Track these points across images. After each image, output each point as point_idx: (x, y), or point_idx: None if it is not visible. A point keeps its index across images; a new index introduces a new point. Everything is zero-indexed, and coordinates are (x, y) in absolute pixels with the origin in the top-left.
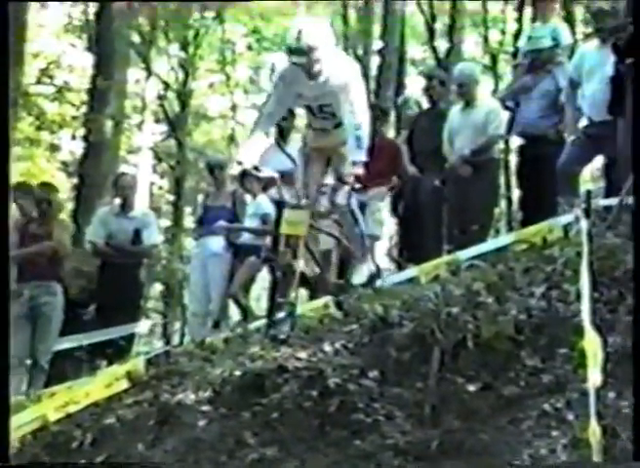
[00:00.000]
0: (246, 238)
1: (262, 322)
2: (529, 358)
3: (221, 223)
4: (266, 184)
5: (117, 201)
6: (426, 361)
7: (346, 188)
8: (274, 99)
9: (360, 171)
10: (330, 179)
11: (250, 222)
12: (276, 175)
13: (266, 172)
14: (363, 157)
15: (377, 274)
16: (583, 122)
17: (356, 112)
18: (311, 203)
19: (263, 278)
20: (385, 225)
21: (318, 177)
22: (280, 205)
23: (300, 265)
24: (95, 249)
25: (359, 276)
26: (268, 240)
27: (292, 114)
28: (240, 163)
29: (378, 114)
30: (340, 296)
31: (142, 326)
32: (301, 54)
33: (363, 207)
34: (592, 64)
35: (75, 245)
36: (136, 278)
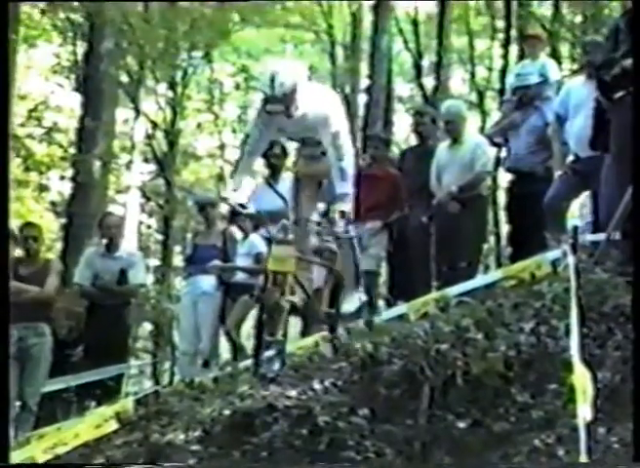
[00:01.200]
0: (239, 277)
1: (252, 360)
2: (519, 394)
3: (216, 263)
4: (257, 223)
5: (103, 241)
6: (416, 398)
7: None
8: (254, 136)
9: (346, 206)
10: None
11: (242, 261)
12: (259, 213)
13: (251, 209)
14: (349, 189)
15: (369, 307)
16: (570, 157)
17: (339, 144)
18: (300, 235)
19: (253, 316)
20: (382, 260)
21: (310, 205)
22: (270, 241)
23: (287, 302)
24: (82, 290)
25: (349, 304)
26: (261, 279)
27: (284, 153)
28: (224, 199)
29: (377, 145)
30: (332, 330)
31: (122, 368)
32: (278, 102)
33: (358, 241)
34: (578, 100)
35: (63, 285)
36: (123, 318)
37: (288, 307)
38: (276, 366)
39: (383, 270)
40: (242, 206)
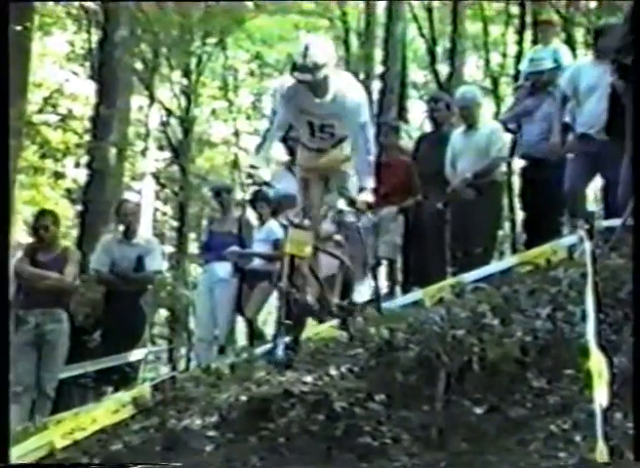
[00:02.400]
0: (255, 264)
1: (267, 347)
2: (535, 379)
3: (235, 249)
4: (275, 209)
5: (120, 228)
6: (432, 384)
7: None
8: (281, 111)
9: (370, 198)
10: (331, 198)
11: (259, 247)
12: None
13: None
14: (372, 184)
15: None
16: (570, 137)
17: (367, 137)
18: (314, 224)
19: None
20: (398, 247)
21: (318, 199)
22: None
23: (304, 288)
24: (99, 277)
25: (361, 295)
26: (279, 265)
27: None
28: (250, 176)
29: (388, 132)
30: (344, 321)
31: (139, 353)
32: (307, 71)
33: (374, 228)
34: (589, 82)
35: (80, 272)
36: (140, 305)
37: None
38: (282, 352)
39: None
40: (267, 184)
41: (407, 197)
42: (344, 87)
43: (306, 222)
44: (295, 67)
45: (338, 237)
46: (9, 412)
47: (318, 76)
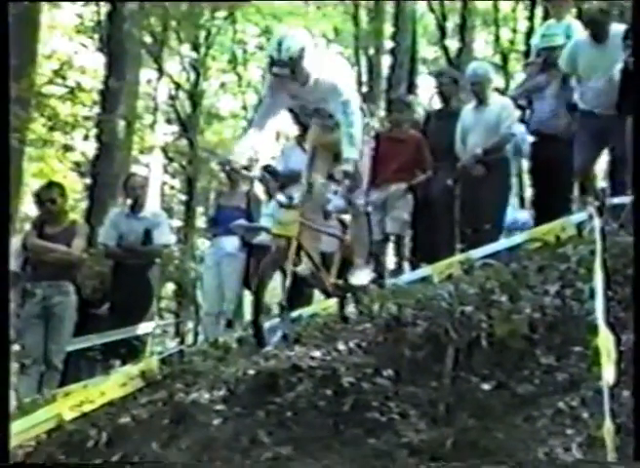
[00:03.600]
0: (263, 238)
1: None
2: (543, 356)
3: (241, 222)
4: (283, 184)
5: (128, 202)
6: (440, 360)
7: (363, 188)
8: (266, 101)
9: (350, 168)
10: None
11: (267, 222)
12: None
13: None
14: (355, 155)
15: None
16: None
17: (348, 112)
18: (312, 204)
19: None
20: (407, 223)
21: (324, 174)
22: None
23: (291, 267)
24: (107, 251)
25: (359, 278)
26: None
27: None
28: (228, 162)
29: (400, 108)
30: (342, 301)
31: (147, 327)
32: (284, 65)
33: (383, 204)
34: (590, 60)
35: (88, 245)
36: (148, 278)
37: (292, 271)
38: (276, 337)
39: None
40: (268, 168)
41: (417, 173)
42: (324, 70)
43: (295, 202)
44: (272, 62)
45: (344, 216)
46: (9, 413)
47: (296, 68)
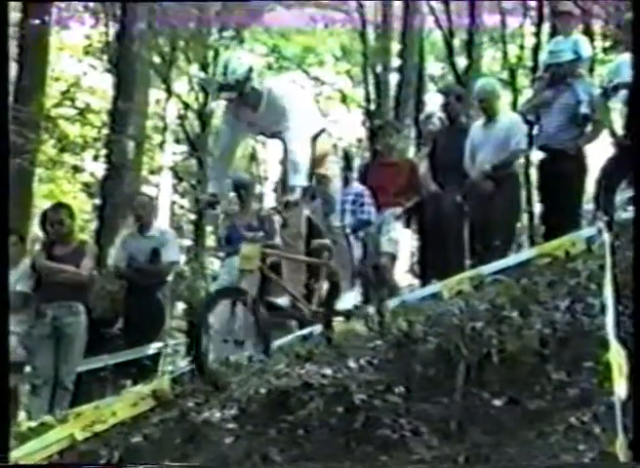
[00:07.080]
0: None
1: (286, 340)
2: (554, 372)
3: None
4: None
5: (135, 222)
6: (451, 376)
7: (337, 209)
8: (225, 132)
9: (293, 197)
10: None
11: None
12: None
13: None
14: (301, 182)
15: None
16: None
17: (290, 138)
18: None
19: None
20: (400, 243)
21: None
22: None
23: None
24: (117, 272)
25: (344, 302)
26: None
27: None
28: (199, 201)
29: (391, 132)
30: (327, 325)
31: (158, 346)
32: (231, 89)
33: (378, 227)
34: (625, 77)
35: (99, 265)
36: (158, 298)
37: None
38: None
39: (403, 254)
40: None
41: (412, 196)
42: (276, 95)
43: (259, 235)
44: (219, 87)
45: (326, 242)
46: (9, 413)
47: (244, 90)
